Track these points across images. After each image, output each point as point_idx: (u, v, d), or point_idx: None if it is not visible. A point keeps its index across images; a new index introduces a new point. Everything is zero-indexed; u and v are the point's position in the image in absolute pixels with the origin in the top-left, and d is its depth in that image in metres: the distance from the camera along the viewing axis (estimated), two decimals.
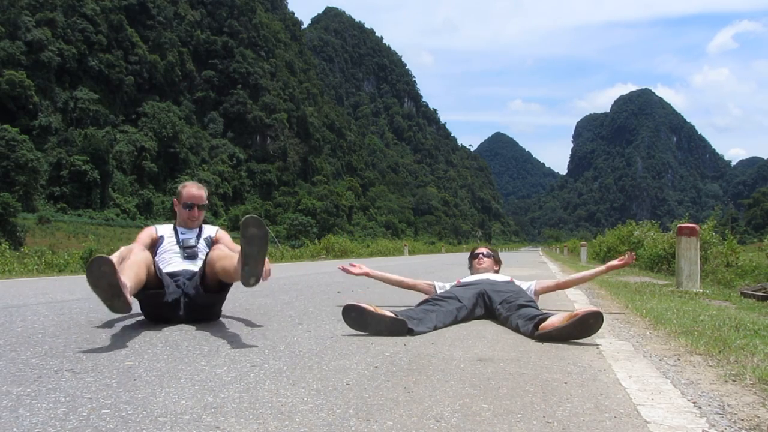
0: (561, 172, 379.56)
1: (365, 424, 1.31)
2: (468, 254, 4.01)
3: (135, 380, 1.65)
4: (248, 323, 2.85)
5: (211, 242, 3.26)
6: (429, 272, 8.41)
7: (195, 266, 3.05)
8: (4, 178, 57.46)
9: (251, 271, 2.31)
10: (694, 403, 1.56)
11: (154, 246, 3.18)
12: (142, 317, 2.92)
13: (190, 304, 2.82)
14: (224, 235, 3.40)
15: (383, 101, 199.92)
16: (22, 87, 67.82)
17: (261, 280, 2.42)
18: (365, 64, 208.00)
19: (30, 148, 61.80)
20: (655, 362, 2.10)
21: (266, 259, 2.44)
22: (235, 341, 2.32)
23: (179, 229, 3.30)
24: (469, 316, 3.12)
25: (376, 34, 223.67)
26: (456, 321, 2.97)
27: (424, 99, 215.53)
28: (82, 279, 6.11)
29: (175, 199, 3.36)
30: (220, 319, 2.96)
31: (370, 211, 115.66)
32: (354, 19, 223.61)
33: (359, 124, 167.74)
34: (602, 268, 3.80)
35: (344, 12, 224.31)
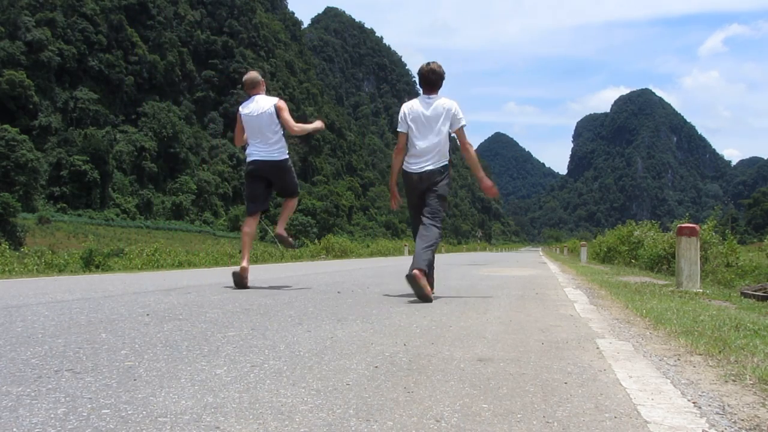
0: (561, 172, 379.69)
1: (365, 424, 1.31)
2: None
3: (135, 380, 1.65)
4: (248, 323, 2.85)
5: None
6: None
7: None
8: (4, 178, 57.47)
9: None
10: (694, 403, 1.56)
11: None
12: (144, 317, 2.91)
13: None
14: None
15: (383, 101, 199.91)
16: (22, 87, 67.83)
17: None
18: (365, 64, 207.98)
19: (30, 148, 61.82)
20: (655, 362, 2.10)
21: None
22: (235, 341, 2.32)
23: None
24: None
25: (376, 34, 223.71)
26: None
27: None
28: (82, 279, 6.11)
29: None
30: (220, 318, 2.96)
31: (370, 211, 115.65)
32: (354, 19, 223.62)
33: (359, 124, 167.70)
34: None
35: (344, 12, 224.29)
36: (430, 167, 4.18)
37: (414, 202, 4.31)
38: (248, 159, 4.76)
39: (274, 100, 4.76)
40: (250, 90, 4.85)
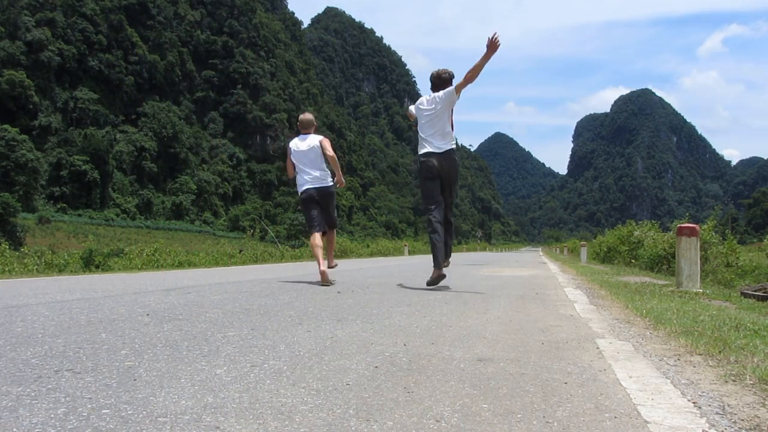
0: (561, 172, 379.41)
1: (365, 424, 1.31)
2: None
3: (135, 380, 1.65)
4: (249, 323, 2.85)
5: None
6: (428, 272, 8.38)
7: None
8: (4, 178, 57.47)
9: None
10: (694, 403, 1.56)
11: None
12: (144, 317, 2.92)
13: None
14: None
15: (383, 101, 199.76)
16: (22, 87, 67.82)
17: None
18: (365, 64, 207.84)
19: (30, 148, 61.80)
20: (655, 362, 2.10)
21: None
22: (235, 341, 2.32)
23: None
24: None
25: (376, 34, 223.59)
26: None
27: None
28: (82, 279, 6.11)
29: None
30: (220, 318, 2.96)
31: (370, 211, 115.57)
32: (354, 19, 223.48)
33: (359, 124, 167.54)
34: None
35: (344, 12, 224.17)
36: (446, 147, 4.88)
37: (430, 187, 4.91)
38: (301, 188, 5.47)
39: (319, 137, 5.56)
40: (304, 129, 5.62)
